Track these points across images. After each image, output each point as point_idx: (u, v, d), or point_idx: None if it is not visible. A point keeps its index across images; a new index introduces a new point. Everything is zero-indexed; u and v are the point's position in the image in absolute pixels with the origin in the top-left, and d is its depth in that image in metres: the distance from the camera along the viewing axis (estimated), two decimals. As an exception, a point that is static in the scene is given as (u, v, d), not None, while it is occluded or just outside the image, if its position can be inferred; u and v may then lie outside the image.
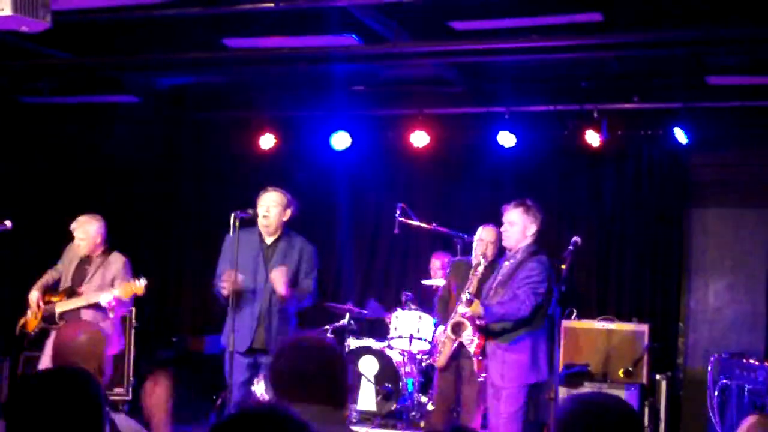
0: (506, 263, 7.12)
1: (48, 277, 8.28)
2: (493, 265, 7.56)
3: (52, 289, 8.23)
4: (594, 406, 2.87)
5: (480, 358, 7.12)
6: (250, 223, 7.25)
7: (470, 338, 7.14)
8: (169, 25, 8.25)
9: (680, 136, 9.71)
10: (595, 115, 9.78)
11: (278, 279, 7.00)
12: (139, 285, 7.84)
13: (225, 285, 7.07)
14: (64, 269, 8.26)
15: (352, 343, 9.77)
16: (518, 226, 7.01)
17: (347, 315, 9.87)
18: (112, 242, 8.39)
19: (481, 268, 7.59)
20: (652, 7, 7.30)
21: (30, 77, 10.18)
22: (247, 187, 7.69)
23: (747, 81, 9.12)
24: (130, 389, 9.87)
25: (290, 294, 7.06)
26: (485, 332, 7.02)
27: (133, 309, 10.38)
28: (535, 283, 6.87)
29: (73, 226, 8.18)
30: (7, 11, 6.14)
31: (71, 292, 8.10)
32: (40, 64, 9.58)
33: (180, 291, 12.19)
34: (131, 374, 9.90)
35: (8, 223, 8.19)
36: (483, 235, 8.46)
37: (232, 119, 11.51)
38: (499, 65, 9.51)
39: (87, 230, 8.14)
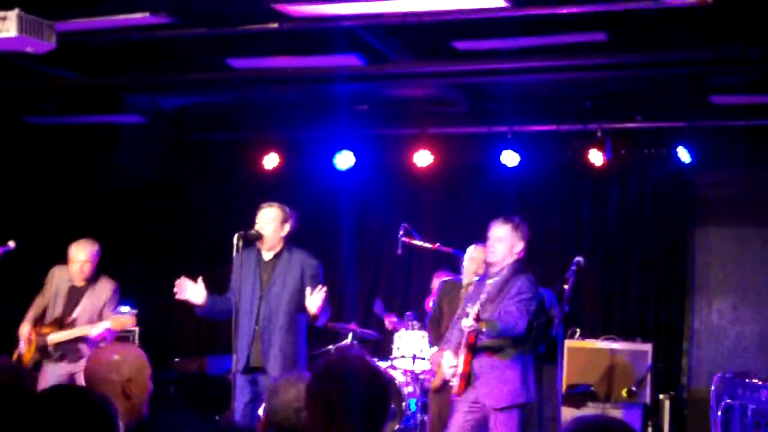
0: (489, 281, 6.98)
1: (36, 308, 8.21)
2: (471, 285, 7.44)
3: (41, 319, 8.17)
4: (597, 429, 2.85)
5: (462, 377, 6.88)
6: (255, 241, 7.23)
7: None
8: (174, 45, 8.28)
9: (684, 155, 9.72)
10: (599, 134, 9.78)
11: (315, 302, 6.96)
12: (130, 318, 7.95)
13: (175, 290, 7.14)
14: (53, 297, 8.19)
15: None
16: (506, 242, 6.93)
17: (350, 335, 9.85)
18: (116, 264, 8.40)
19: (472, 288, 7.49)
20: (656, 27, 7.30)
21: (35, 97, 10.22)
22: (251, 207, 7.67)
23: (751, 100, 9.12)
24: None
25: (321, 310, 6.99)
26: (474, 350, 6.82)
27: (137, 330, 10.39)
28: (527, 301, 6.74)
29: (75, 250, 8.10)
30: (13, 32, 6.20)
31: (62, 323, 8.04)
32: (45, 84, 9.61)
33: (183, 312, 12.15)
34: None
35: (12, 244, 8.15)
36: (474, 254, 8.46)
37: (236, 139, 11.52)
38: (502, 85, 9.53)
39: (90, 253, 8.09)
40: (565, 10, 6.61)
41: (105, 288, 8.16)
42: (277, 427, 3.35)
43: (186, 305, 11.90)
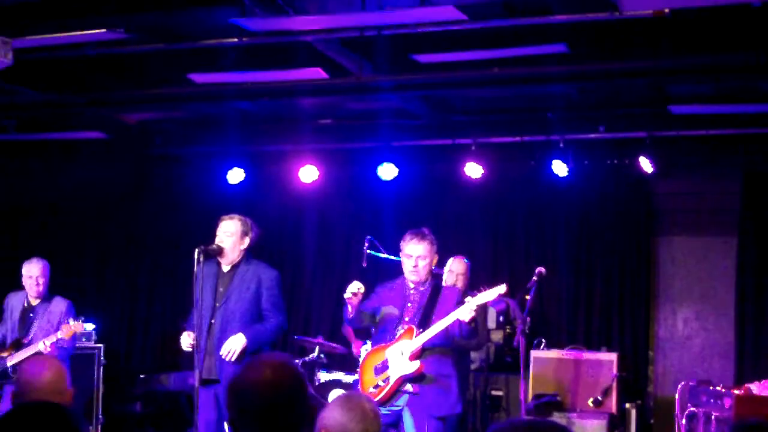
0: (412, 291, 6.95)
1: None
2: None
3: (2, 346, 8.19)
4: (528, 429, 2.84)
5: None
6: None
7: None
8: (135, 60, 8.25)
9: (646, 165, 9.79)
10: (561, 145, 9.83)
11: (231, 350, 6.95)
12: (79, 324, 7.89)
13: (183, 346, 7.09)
14: (8, 322, 8.26)
15: (322, 376, 9.72)
16: (428, 259, 6.90)
17: (317, 348, 9.82)
18: (78, 280, 8.36)
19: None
20: (615, 38, 7.35)
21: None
22: (215, 222, 7.66)
23: (710, 110, 9.19)
24: (100, 427, 9.79)
25: (248, 345, 6.97)
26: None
27: (102, 346, 10.32)
28: None
29: (28, 267, 8.19)
30: (-32, 49, 6.15)
31: (18, 345, 8.07)
32: (6, 101, 9.54)
33: (148, 327, 12.11)
34: (100, 412, 9.83)
35: None
36: (453, 266, 8.54)
37: (200, 154, 11.49)
38: (464, 97, 9.56)
39: (40, 270, 8.17)
40: (523, 22, 6.64)
41: (59, 305, 8.22)
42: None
43: (147, 321, 11.98)
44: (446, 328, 6.61)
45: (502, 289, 6.53)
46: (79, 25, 6.78)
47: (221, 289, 7.12)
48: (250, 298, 7.09)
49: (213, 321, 7.02)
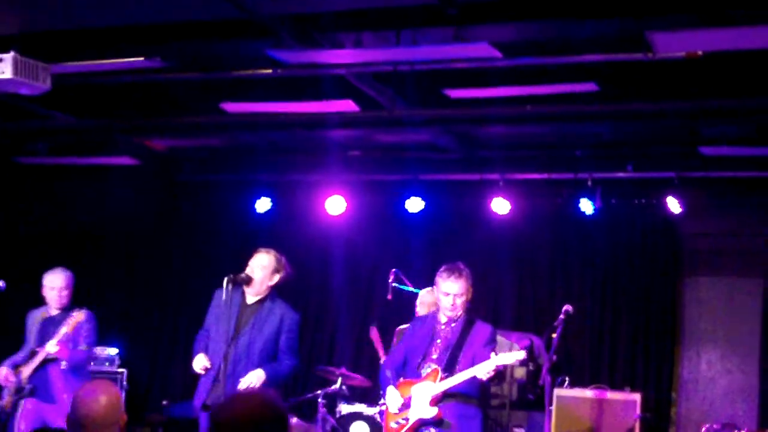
0: (443, 327, 6.97)
1: (17, 355, 7.98)
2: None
3: (21, 362, 7.90)
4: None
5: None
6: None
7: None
8: (168, 88, 8.33)
9: (674, 205, 9.78)
10: (589, 183, 9.84)
11: (251, 384, 6.96)
12: (80, 312, 7.64)
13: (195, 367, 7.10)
14: (28, 336, 8.01)
15: (344, 408, 9.69)
16: (466, 296, 6.87)
17: (339, 380, 9.80)
18: (104, 305, 8.31)
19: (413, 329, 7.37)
20: (646, 78, 7.38)
21: (28, 138, 10.25)
22: (242, 250, 7.69)
23: (739, 152, 9.19)
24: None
25: (267, 381, 6.99)
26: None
27: (125, 371, 10.37)
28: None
29: (51, 278, 7.95)
30: (8, 74, 6.25)
31: (33, 354, 7.79)
32: (39, 125, 9.66)
33: (172, 354, 12.15)
34: (122, 437, 9.83)
35: (1, 284, 7.94)
36: (425, 297, 8.54)
37: (229, 182, 11.56)
38: (493, 132, 9.59)
39: (64, 281, 7.93)
40: (556, 61, 6.68)
41: (78, 315, 7.79)
42: None
43: (171, 347, 12.01)
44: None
45: (521, 355, 6.53)
46: (117, 53, 6.87)
47: (243, 320, 7.13)
48: (270, 335, 7.10)
49: (230, 350, 7.03)
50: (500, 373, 6.61)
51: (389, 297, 9.42)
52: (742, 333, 10.39)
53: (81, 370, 7.88)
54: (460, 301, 6.83)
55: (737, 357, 10.41)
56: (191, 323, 11.65)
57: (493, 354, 6.55)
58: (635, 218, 10.53)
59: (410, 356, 6.97)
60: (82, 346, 7.86)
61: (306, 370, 10.42)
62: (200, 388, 7.08)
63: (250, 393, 3.35)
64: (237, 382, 6.93)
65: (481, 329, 6.87)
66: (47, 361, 7.72)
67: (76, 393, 4.12)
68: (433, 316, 7.05)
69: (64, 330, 7.61)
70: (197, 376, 7.20)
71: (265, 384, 6.93)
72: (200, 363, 7.05)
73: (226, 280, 6.89)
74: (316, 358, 11.19)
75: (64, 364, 7.72)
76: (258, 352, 7.06)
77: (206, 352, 7.10)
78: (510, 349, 9.41)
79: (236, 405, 3.25)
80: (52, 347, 7.61)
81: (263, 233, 10.67)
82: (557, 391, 9.47)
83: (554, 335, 7.30)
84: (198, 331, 7.41)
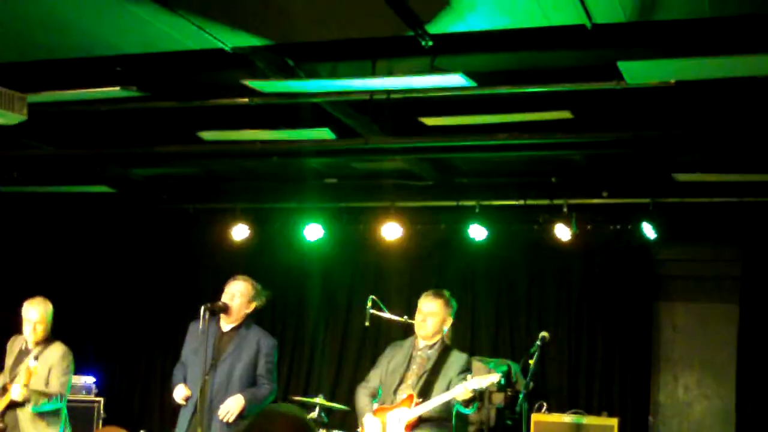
0: (419, 353, 7.02)
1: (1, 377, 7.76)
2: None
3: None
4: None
5: None
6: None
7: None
8: (145, 117, 8.34)
9: (649, 230, 9.84)
10: (565, 209, 9.89)
11: (230, 411, 6.98)
12: (33, 365, 7.28)
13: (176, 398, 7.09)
14: (7, 360, 7.73)
15: (322, 436, 9.69)
16: (439, 317, 6.99)
17: (317, 407, 9.79)
18: (80, 333, 8.20)
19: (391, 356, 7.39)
20: (620, 106, 7.44)
21: (5, 167, 10.22)
22: (219, 278, 7.70)
23: (712, 178, 9.26)
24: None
25: (245, 408, 7.02)
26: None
27: (102, 400, 10.32)
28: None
29: (27, 309, 7.61)
30: (-16, 104, 6.24)
31: (5, 391, 7.50)
32: (16, 154, 9.64)
33: (150, 382, 12.11)
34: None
35: None
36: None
37: (206, 210, 11.56)
38: (469, 159, 9.64)
39: (45, 312, 7.62)
40: (529, 90, 6.73)
41: (54, 352, 7.62)
42: None
43: (148, 375, 11.98)
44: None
45: (495, 377, 6.58)
46: (94, 83, 6.87)
47: (221, 348, 7.14)
48: (248, 361, 7.15)
49: (207, 378, 7.01)
50: (475, 398, 6.63)
51: (367, 324, 9.42)
52: (718, 358, 10.46)
53: (51, 411, 7.60)
54: (431, 321, 6.91)
55: (714, 382, 10.48)
56: (168, 351, 11.70)
57: (468, 376, 6.59)
58: (610, 244, 10.59)
59: (387, 381, 7.00)
60: (53, 386, 7.56)
61: (283, 398, 10.41)
62: (181, 418, 7.08)
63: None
64: (218, 409, 6.94)
65: (457, 358, 6.92)
66: (15, 403, 7.45)
67: None
68: (411, 342, 7.09)
69: (24, 378, 7.30)
70: (176, 406, 7.20)
71: (245, 410, 6.95)
72: (181, 393, 7.06)
73: (202, 309, 6.90)
74: (294, 386, 11.18)
75: (31, 407, 7.47)
76: (238, 379, 7.10)
77: (185, 383, 7.10)
78: (487, 373, 9.43)
79: (265, 425, 3.26)
80: (17, 394, 7.33)
81: (240, 261, 10.66)
82: (534, 416, 9.50)
83: (531, 361, 7.33)
84: (174, 364, 7.40)
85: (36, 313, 7.63)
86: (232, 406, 6.94)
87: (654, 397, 10.59)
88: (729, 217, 9.99)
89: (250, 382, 7.16)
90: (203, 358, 6.98)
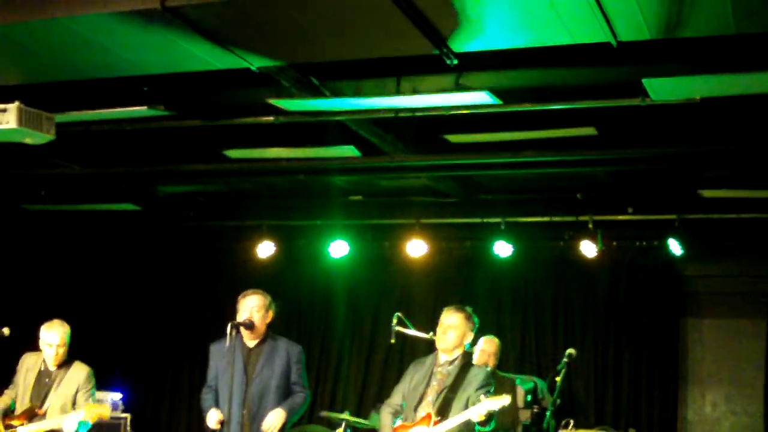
0: (439, 369, 7.01)
1: (6, 398, 7.72)
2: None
3: (11, 412, 7.63)
4: None
5: None
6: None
7: None
8: (171, 136, 8.39)
9: (675, 247, 9.80)
10: (590, 225, 9.87)
11: (273, 425, 7.04)
12: (106, 408, 7.41)
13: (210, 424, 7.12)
14: (21, 385, 7.70)
15: (348, 452, 9.69)
16: (459, 330, 6.97)
17: (343, 424, 9.80)
18: (107, 349, 8.20)
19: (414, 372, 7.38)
20: (645, 123, 7.43)
21: (34, 186, 10.31)
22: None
23: (739, 194, 9.22)
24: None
25: (286, 417, 7.08)
26: None
27: (128, 416, 10.35)
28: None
29: (48, 334, 7.61)
30: (13, 124, 6.28)
31: (32, 414, 7.51)
32: (43, 173, 9.71)
33: (175, 399, 12.15)
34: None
35: (5, 331, 7.74)
36: (485, 346, 8.59)
37: (231, 228, 11.60)
38: (494, 176, 9.64)
39: (65, 334, 7.61)
40: (554, 107, 6.74)
41: (78, 374, 7.62)
42: None
43: (177, 392, 12.02)
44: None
45: (506, 400, 6.53)
46: (121, 102, 6.93)
47: (251, 364, 7.18)
48: (281, 372, 7.22)
49: (247, 393, 7.09)
50: (492, 416, 6.59)
51: (392, 341, 9.42)
52: (746, 374, 10.38)
53: None
54: (452, 334, 6.90)
55: (742, 398, 10.40)
56: (194, 367, 11.74)
57: (482, 397, 6.58)
58: (636, 260, 10.55)
59: (409, 397, 7.00)
60: (81, 407, 7.48)
61: (309, 415, 10.42)
62: None
63: None
64: (260, 424, 7.03)
65: (476, 373, 6.90)
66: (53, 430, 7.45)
67: None
68: (432, 359, 7.09)
69: (82, 416, 7.27)
70: (204, 420, 7.22)
71: (287, 421, 7.02)
72: (214, 418, 7.09)
73: (229, 326, 6.91)
74: (319, 402, 11.18)
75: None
76: (274, 391, 7.19)
77: (216, 406, 7.12)
78: (515, 392, 9.40)
79: None
80: (67, 426, 7.28)
81: (266, 278, 10.67)
82: (561, 434, 9.45)
83: (558, 378, 7.31)
84: (200, 381, 7.43)
85: (56, 336, 7.63)
86: (274, 421, 7.03)
87: (681, 413, 10.52)
88: (755, 233, 9.95)
89: (285, 392, 7.24)
90: (236, 375, 7.02)
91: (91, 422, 7.34)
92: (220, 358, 7.19)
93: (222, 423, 7.03)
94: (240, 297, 7.32)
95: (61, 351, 7.63)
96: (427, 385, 6.93)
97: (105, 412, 7.40)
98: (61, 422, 7.36)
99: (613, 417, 10.41)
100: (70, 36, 5.57)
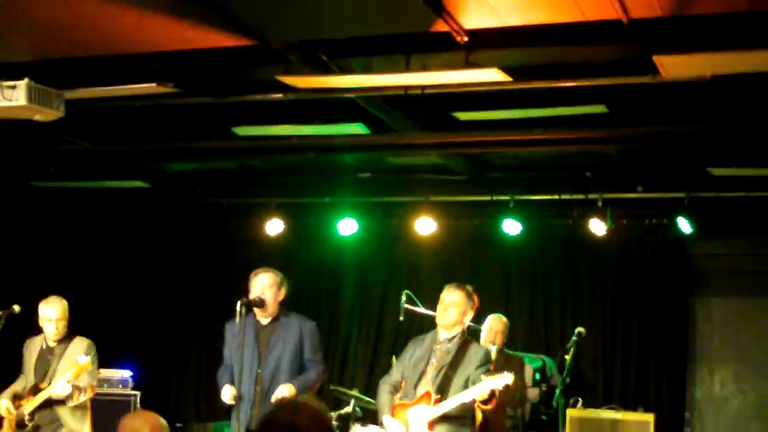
0: (439, 346, 7.03)
1: (17, 386, 7.85)
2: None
3: (21, 394, 7.77)
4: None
5: None
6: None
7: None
8: (180, 113, 8.39)
9: (684, 225, 9.78)
10: (600, 203, 9.85)
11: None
12: (86, 362, 7.45)
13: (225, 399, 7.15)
14: (26, 366, 7.84)
15: (357, 431, 9.70)
16: (459, 308, 6.99)
17: (352, 401, 9.81)
18: (117, 326, 8.23)
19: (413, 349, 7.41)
20: (655, 100, 7.41)
21: (42, 162, 10.33)
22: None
23: (748, 172, 9.20)
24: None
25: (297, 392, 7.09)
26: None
27: (138, 393, 10.40)
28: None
29: (47, 309, 7.72)
30: (22, 101, 6.31)
31: (37, 391, 7.62)
32: (53, 150, 9.72)
33: (185, 376, 12.19)
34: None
35: (16, 308, 7.81)
36: (492, 324, 8.61)
37: (240, 205, 11.60)
38: (503, 154, 9.63)
39: (63, 309, 7.72)
40: (564, 85, 6.71)
41: (78, 347, 7.73)
42: None
43: (186, 369, 12.06)
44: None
45: (509, 378, 6.55)
46: (130, 79, 6.92)
47: (264, 341, 7.20)
48: (294, 348, 7.23)
49: (260, 371, 7.11)
50: (494, 394, 6.62)
51: (401, 318, 9.45)
52: (755, 353, 10.38)
53: (83, 403, 7.72)
54: (452, 311, 6.93)
55: (751, 377, 10.40)
56: (203, 345, 11.78)
57: (483, 376, 6.60)
58: (646, 238, 10.54)
59: (408, 375, 7.03)
60: (84, 379, 7.61)
61: (318, 391, 10.44)
62: (236, 414, 7.09)
63: (296, 403, 3.35)
64: (270, 400, 7.02)
65: (476, 352, 6.92)
66: (53, 400, 7.60)
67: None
68: (432, 336, 7.11)
69: (72, 374, 7.43)
70: (214, 398, 7.24)
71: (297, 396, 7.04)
72: (228, 393, 7.11)
73: (239, 303, 6.92)
74: (329, 378, 11.21)
75: (71, 404, 7.62)
76: (288, 367, 7.20)
77: (232, 383, 7.14)
78: (523, 370, 9.42)
79: (279, 416, 3.28)
80: (62, 390, 7.47)
81: (275, 255, 10.69)
82: (570, 412, 9.46)
83: (567, 356, 7.33)
84: (209, 358, 7.45)
85: (55, 311, 7.73)
86: (284, 394, 7.01)
87: (690, 392, 10.52)
88: (765, 212, 9.92)
89: (299, 368, 7.25)
90: (250, 353, 7.08)
91: (76, 378, 7.45)
92: (233, 335, 7.22)
93: (236, 398, 7.06)
94: (251, 275, 7.33)
95: (61, 325, 7.74)
96: (427, 362, 6.97)
97: (86, 366, 7.49)
98: (61, 389, 7.47)
99: (622, 395, 10.41)
100: (80, 12, 5.57)
